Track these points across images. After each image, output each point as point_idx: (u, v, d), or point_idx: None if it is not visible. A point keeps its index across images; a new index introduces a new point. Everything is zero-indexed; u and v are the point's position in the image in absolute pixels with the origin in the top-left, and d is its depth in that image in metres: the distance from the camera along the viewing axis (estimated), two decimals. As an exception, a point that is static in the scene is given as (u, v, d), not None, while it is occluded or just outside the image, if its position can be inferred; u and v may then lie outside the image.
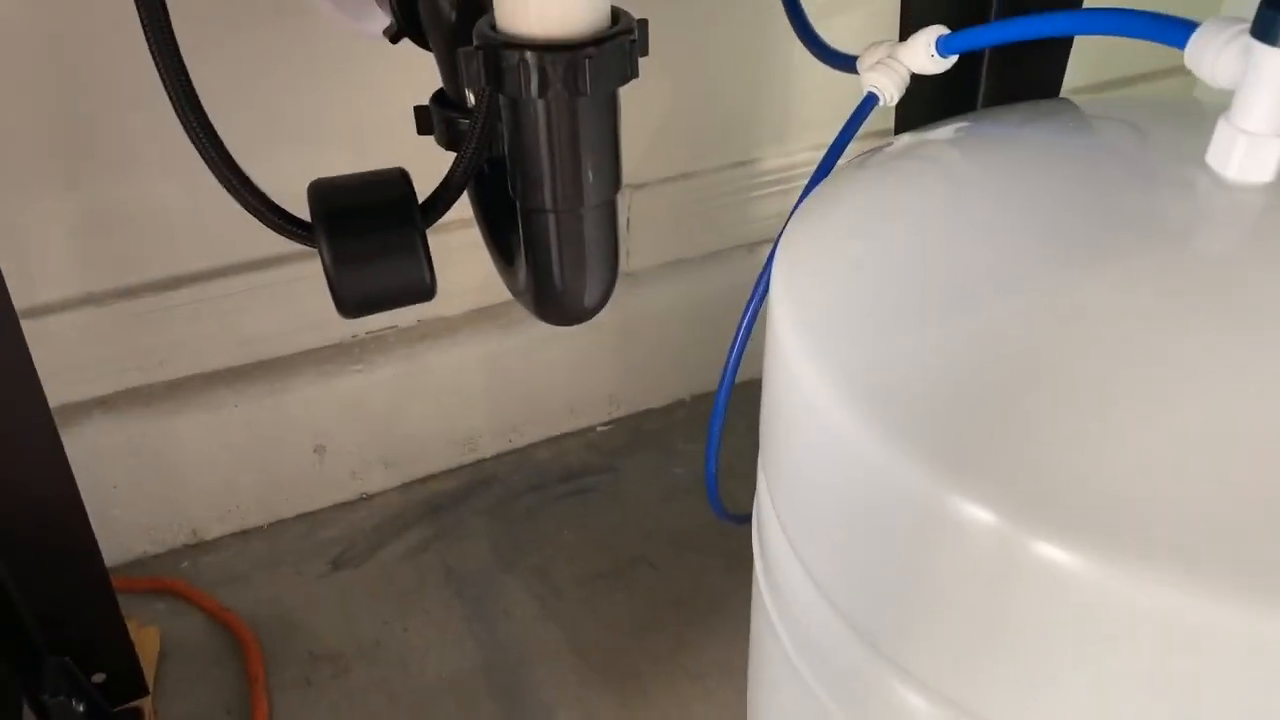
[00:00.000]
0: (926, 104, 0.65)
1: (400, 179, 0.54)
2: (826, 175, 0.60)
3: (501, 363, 1.07)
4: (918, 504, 0.39)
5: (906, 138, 0.59)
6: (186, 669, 0.90)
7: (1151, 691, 0.36)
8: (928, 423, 0.40)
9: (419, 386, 1.04)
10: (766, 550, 0.57)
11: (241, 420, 0.97)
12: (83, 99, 0.79)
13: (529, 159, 0.48)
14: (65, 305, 0.88)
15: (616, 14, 0.47)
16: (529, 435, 1.14)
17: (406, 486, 1.09)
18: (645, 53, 0.48)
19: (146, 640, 0.89)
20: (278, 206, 0.53)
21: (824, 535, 0.48)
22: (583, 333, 1.09)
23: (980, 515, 0.37)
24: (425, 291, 0.55)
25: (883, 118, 0.67)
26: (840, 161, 0.61)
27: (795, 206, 0.57)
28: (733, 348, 0.67)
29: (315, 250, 0.52)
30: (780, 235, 0.55)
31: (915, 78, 0.60)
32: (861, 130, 0.61)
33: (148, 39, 0.48)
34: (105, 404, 0.93)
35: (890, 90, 0.60)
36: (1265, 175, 0.43)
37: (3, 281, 0.62)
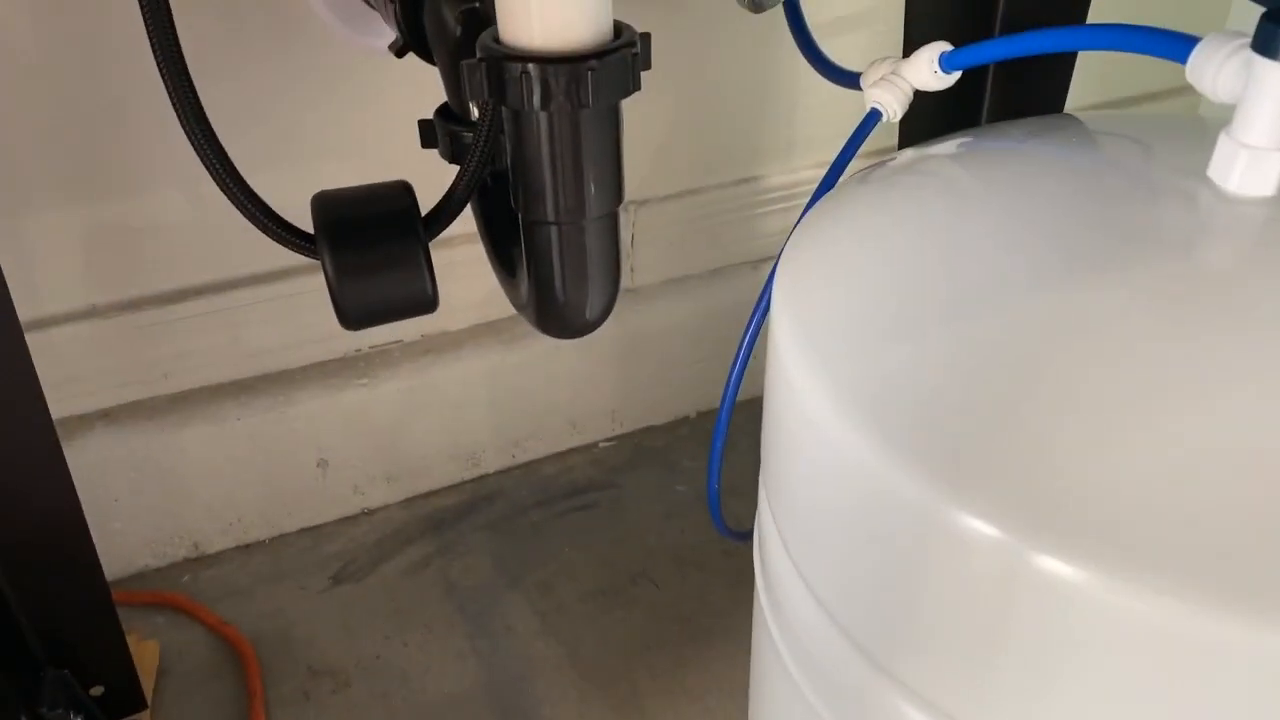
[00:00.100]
0: (930, 120, 0.65)
1: (403, 191, 0.54)
2: (829, 191, 0.60)
3: (505, 378, 1.07)
4: (918, 518, 0.39)
5: (909, 153, 0.59)
6: (185, 683, 0.90)
7: (1154, 707, 0.36)
8: (929, 436, 0.40)
9: (423, 401, 1.04)
10: (768, 566, 0.57)
11: (245, 434, 0.97)
12: (90, 112, 0.80)
13: (531, 171, 0.49)
14: (69, 317, 0.88)
15: (619, 27, 0.48)
16: (532, 451, 1.13)
17: (409, 501, 1.09)
18: (648, 66, 0.48)
19: (146, 654, 0.89)
20: (281, 218, 0.54)
21: (825, 550, 0.48)
22: (586, 348, 1.09)
23: (982, 529, 0.37)
24: (427, 304, 0.55)
25: (887, 136, 0.68)
26: (843, 177, 0.61)
27: (798, 222, 0.57)
28: (734, 364, 0.67)
29: (319, 263, 0.52)
30: (782, 250, 0.55)
31: (919, 94, 0.60)
32: (866, 148, 0.61)
33: (155, 52, 0.48)
34: (108, 416, 0.94)
35: (893, 106, 0.60)
36: (1267, 189, 0.43)
37: (7, 293, 0.62)
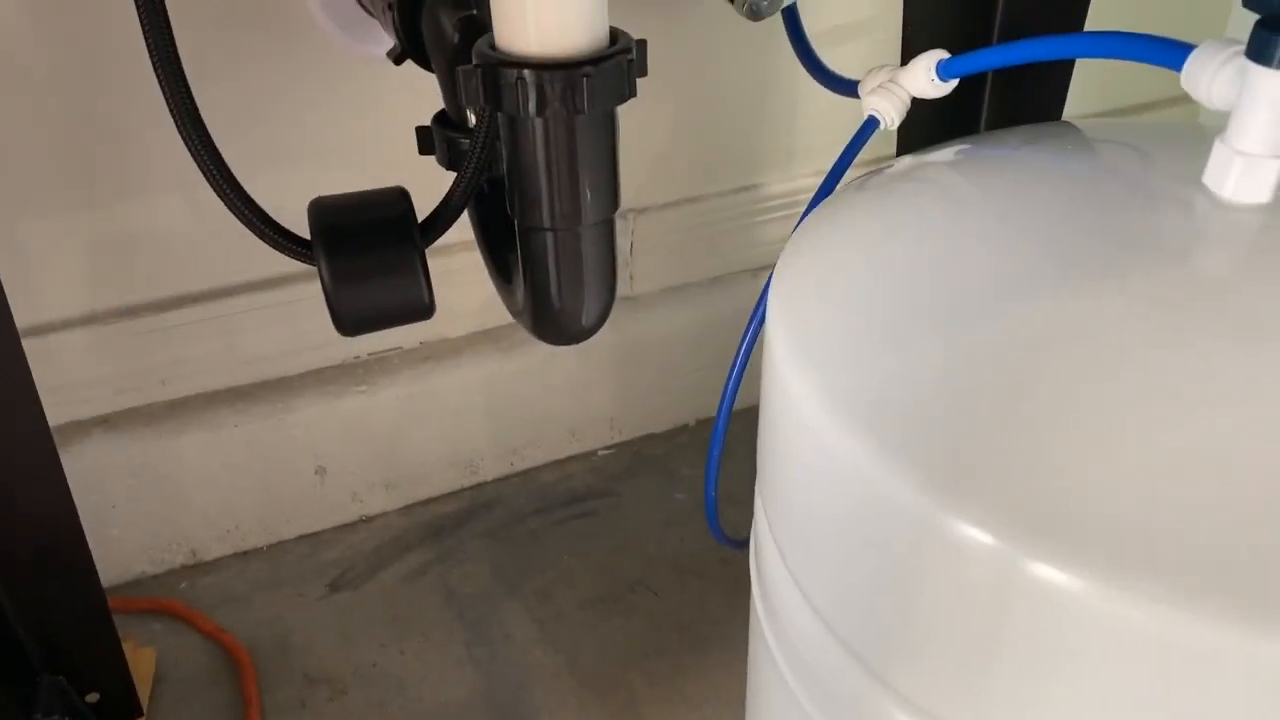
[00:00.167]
0: (929, 128, 0.66)
1: (399, 198, 0.54)
2: (827, 198, 0.60)
3: (504, 385, 1.07)
4: (913, 525, 0.39)
5: (906, 160, 0.59)
6: (181, 690, 0.90)
7: (1149, 715, 0.36)
8: (924, 443, 0.40)
9: (421, 408, 1.04)
10: (764, 575, 0.57)
11: (243, 440, 0.97)
12: (89, 118, 0.80)
13: (527, 177, 0.49)
14: (68, 324, 0.88)
15: (615, 34, 0.48)
16: (531, 458, 1.13)
17: (407, 509, 1.09)
18: (644, 73, 0.49)
19: (142, 661, 0.89)
20: (277, 224, 0.54)
21: (820, 558, 0.47)
22: (585, 356, 1.09)
23: (977, 536, 0.37)
24: (423, 310, 0.55)
25: (887, 144, 0.68)
26: (840, 185, 0.61)
27: (795, 229, 0.57)
28: (731, 372, 0.67)
29: (316, 268, 0.52)
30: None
31: (917, 102, 0.60)
32: (867, 156, 0.61)
33: (151, 57, 0.48)
34: (106, 423, 0.94)
35: (891, 114, 0.61)
36: (1262, 196, 0.43)
37: (4, 299, 0.62)
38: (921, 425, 0.40)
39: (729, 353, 0.67)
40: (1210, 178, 0.44)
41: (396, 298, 0.53)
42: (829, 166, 0.62)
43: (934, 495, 0.38)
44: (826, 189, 0.61)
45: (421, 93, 0.62)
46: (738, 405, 0.68)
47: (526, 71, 0.45)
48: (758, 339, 0.61)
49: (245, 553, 1.03)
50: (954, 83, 0.59)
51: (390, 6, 0.62)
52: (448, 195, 0.54)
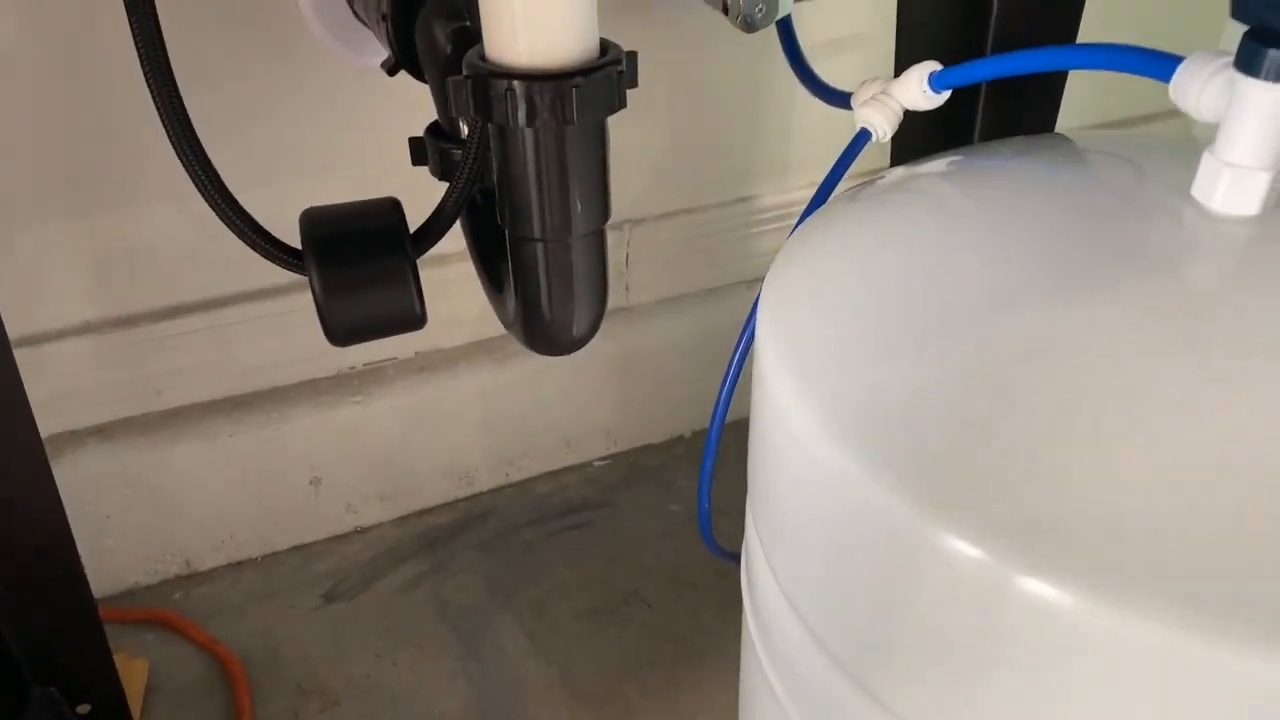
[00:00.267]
0: (923, 139, 0.66)
1: (391, 208, 0.54)
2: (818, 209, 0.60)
3: (499, 396, 1.07)
4: (903, 537, 0.39)
5: (898, 171, 0.59)
6: (174, 701, 0.89)
7: (1137, 730, 0.35)
8: (914, 455, 0.40)
9: (416, 419, 1.04)
10: (754, 588, 0.57)
11: (238, 451, 0.97)
12: (84, 128, 0.80)
13: (517, 188, 0.49)
14: (63, 333, 0.88)
15: (605, 45, 0.48)
16: (526, 470, 1.13)
17: (402, 520, 1.09)
18: (634, 84, 0.49)
19: (134, 671, 0.89)
20: (268, 234, 0.54)
21: (809, 571, 0.47)
22: (581, 367, 1.09)
23: (967, 549, 0.37)
24: (415, 320, 0.55)
25: (882, 155, 0.68)
26: (832, 196, 0.61)
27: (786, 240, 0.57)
28: (724, 383, 0.67)
29: (307, 279, 0.52)
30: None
31: (912, 114, 0.60)
32: (862, 167, 0.61)
33: (142, 65, 0.48)
34: (101, 433, 0.93)
35: (883, 126, 0.61)
36: (1250, 208, 0.43)
37: (-4, 308, 0.62)
38: (911, 437, 0.40)
39: (725, 364, 0.67)
40: (1199, 189, 0.44)
41: (387, 308, 0.53)
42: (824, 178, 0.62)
43: (923, 508, 0.38)
44: (818, 201, 0.61)
45: (416, 104, 0.62)
46: (734, 417, 0.68)
47: (516, 82, 0.45)
48: (750, 351, 0.61)
49: (239, 563, 1.03)
50: (946, 94, 0.59)
51: (384, 18, 0.63)
52: (439, 206, 0.55)
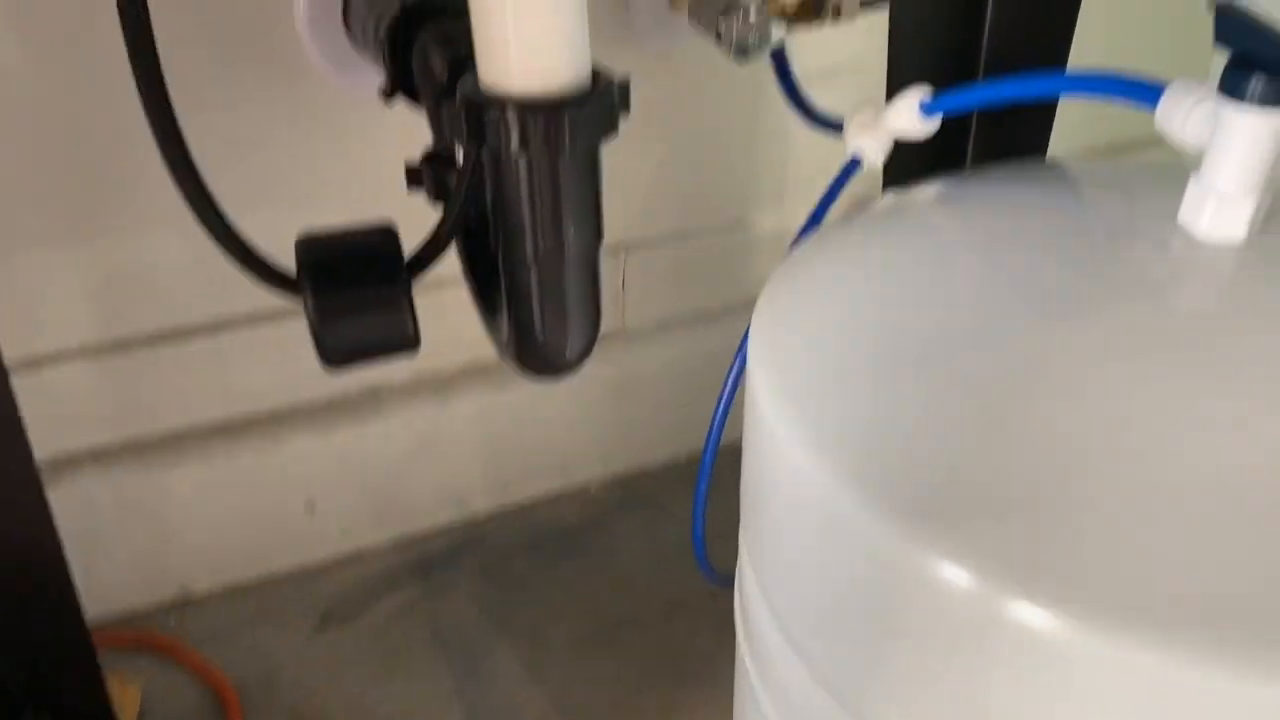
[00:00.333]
0: (915, 165, 0.66)
1: (386, 232, 0.55)
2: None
3: (495, 419, 1.07)
4: (894, 565, 0.39)
5: (889, 197, 0.60)
6: (166, 727, 0.89)
7: (1127, 756, 0.35)
8: (905, 482, 0.40)
9: (413, 443, 1.04)
10: (747, 614, 0.57)
11: (234, 474, 0.97)
12: (83, 150, 0.81)
13: (510, 212, 0.49)
14: (61, 356, 0.88)
15: (598, 73, 0.48)
16: (522, 493, 1.13)
17: (397, 543, 1.08)
18: (627, 110, 0.49)
19: (127, 697, 0.88)
20: (264, 259, 0.54)
21: (802, 598, 0.47)
22: (577, 390, 1.09)
23: (959, 576, 0.37)
24: (408, 343, 0.55)
25: (876, 180, 0.68)
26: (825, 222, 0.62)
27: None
28: (718, 408, 0.67)
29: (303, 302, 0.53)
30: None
31: (905, 141, 0.61)
32: (856, 192, 0.62)
33: (140, 94, 0.49)
34: (97, 456, 0.93)
35: (874, 153, 0.61)
36: (1237, 233, 0.43)
37: (-7, 331, 0.62)
38: (902, 465, 0.40)
39: (721, 387, 0.67)
40: (1186, 216, 0.45)
41: (381, 331, 0.54)
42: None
43: (913, 535, 0.38)
44: (810, 227, 0.62)
45: (412, 130, 0.62)
46: (730, 440, 0.68)
47: (509, 109, 0.45)
48: (743, 375, 0.61)
49: (234, 588, 1.03)
50: (937, 122, 0.59)
51: (382, 44, 0.63)
52: (434, 230, 0.55)
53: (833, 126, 0.68)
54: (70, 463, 0.92)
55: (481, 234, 0.58)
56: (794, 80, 0.76)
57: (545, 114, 0.45)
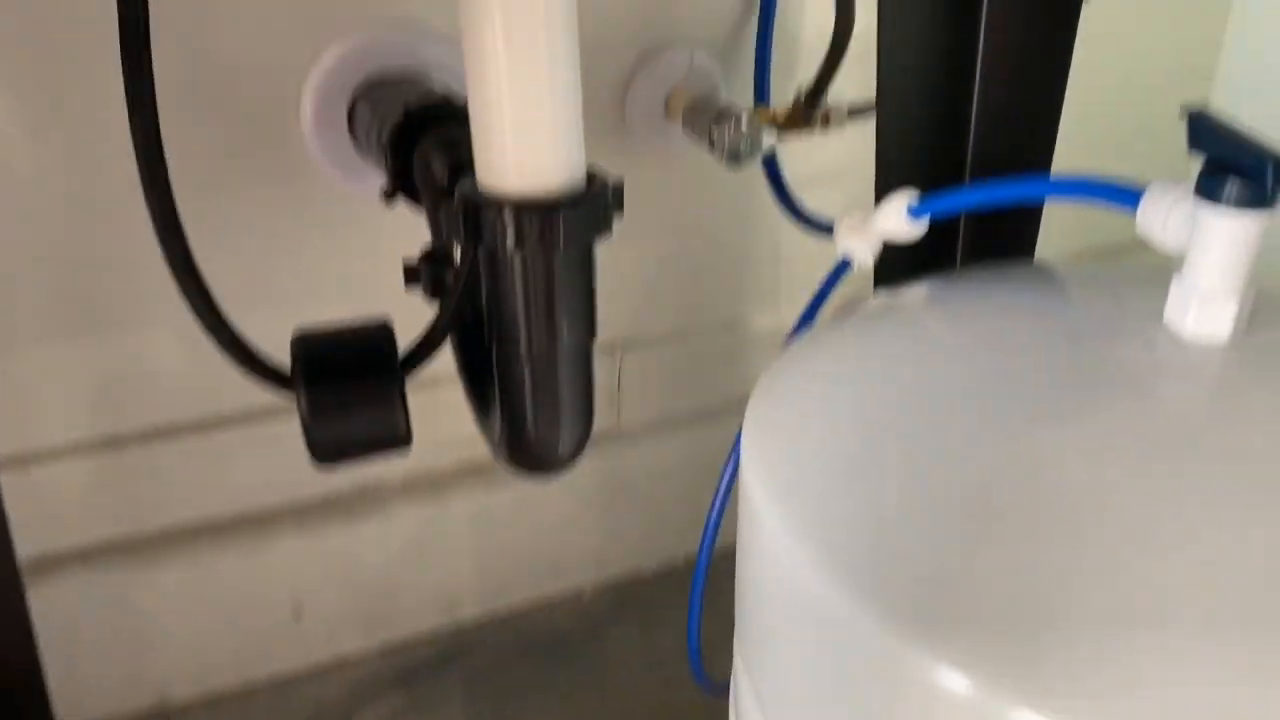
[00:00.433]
0: (905, 266, 0.67)
1: (381, 329, 0.55)
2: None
3: (488, 521, 1.05)
4: (890, 669, 0.38)
5: (880, 297, 0.61)
6: (137, 844, 0.85)
7: None
8: (899, 585, 0.39)
9: (403, 545, 1.02)
10: None
11: (220, 576, 0.95)
12: (82, 250, 0.82)
13: (504, 309, 0.50)
14: (52, 454, 0.87)
15: (593, 174, 0.50)
16: (513, 598, 1.11)
17: (385, 650, 1.06)
18: (621, 211, 0.50)
19: (98, 811, 0.85)
20: (259, 356, 0.54)
21: (799, 707, 0.46)
22: (572, 491, 1.08)
23: (957, 681, 0.36)
24: (400, 441, 0.55)
25: (868, 280, 0.69)
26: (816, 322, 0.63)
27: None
28: (712, 511, 0.66)
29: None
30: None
31: (895, 242, 0.62)
32: (848, 292, 0.63)
33: (145, 192, 0.50)
34: (82, 556, 0.92)
35: (864, 254, 0.62)
36: (1221, 333, 0.44)
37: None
38: (896, 567, 0.40)
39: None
40: (1171, 316, 0.45)
41: (373, 428, 0.54)
42: (812, 302, 0.64)
43: (910, 639, 0.37)
44: (802, 326, 0.62)
45: (414, 231, 0.64)
46: (727, 544, 0.67)
47: (506, 208, 0.46)
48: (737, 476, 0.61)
49: (216, 695, 1.00)
50: (925, 224, 0.60)
51: (384, 148, 0.65)
52: (430, 327, 0.55)
53: (823, 229, 0.69)
54: (55, 563, 0.91)
55: (476, 331, 0.58)
56: (785, 184, 0.78)
57: (540, 214, 0.46)
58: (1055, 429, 0.42)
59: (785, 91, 0.94)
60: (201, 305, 0.52)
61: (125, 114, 0.48)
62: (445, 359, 0.60)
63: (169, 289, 0.53)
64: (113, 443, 0.89)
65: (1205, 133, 0.42)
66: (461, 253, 0.53)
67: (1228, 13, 1.24)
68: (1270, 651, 0.34)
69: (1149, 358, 0.46)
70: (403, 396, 0.54)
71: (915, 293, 0.59)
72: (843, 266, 0.62)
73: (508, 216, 0.47)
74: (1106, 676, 0.34)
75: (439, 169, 0.58)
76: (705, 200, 1.03)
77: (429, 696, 1.00)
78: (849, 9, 0.78)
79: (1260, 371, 0.44)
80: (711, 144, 0.80)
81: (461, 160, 0.56)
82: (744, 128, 0.79)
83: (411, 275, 0.61)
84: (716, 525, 0.66)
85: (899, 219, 0.60)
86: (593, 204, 0.48)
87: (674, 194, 1.01)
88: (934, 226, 0.60)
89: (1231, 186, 0.40)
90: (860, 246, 0.61)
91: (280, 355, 0.55)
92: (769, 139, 0.79)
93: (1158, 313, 0.47)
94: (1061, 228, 0.70)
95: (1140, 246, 0.46)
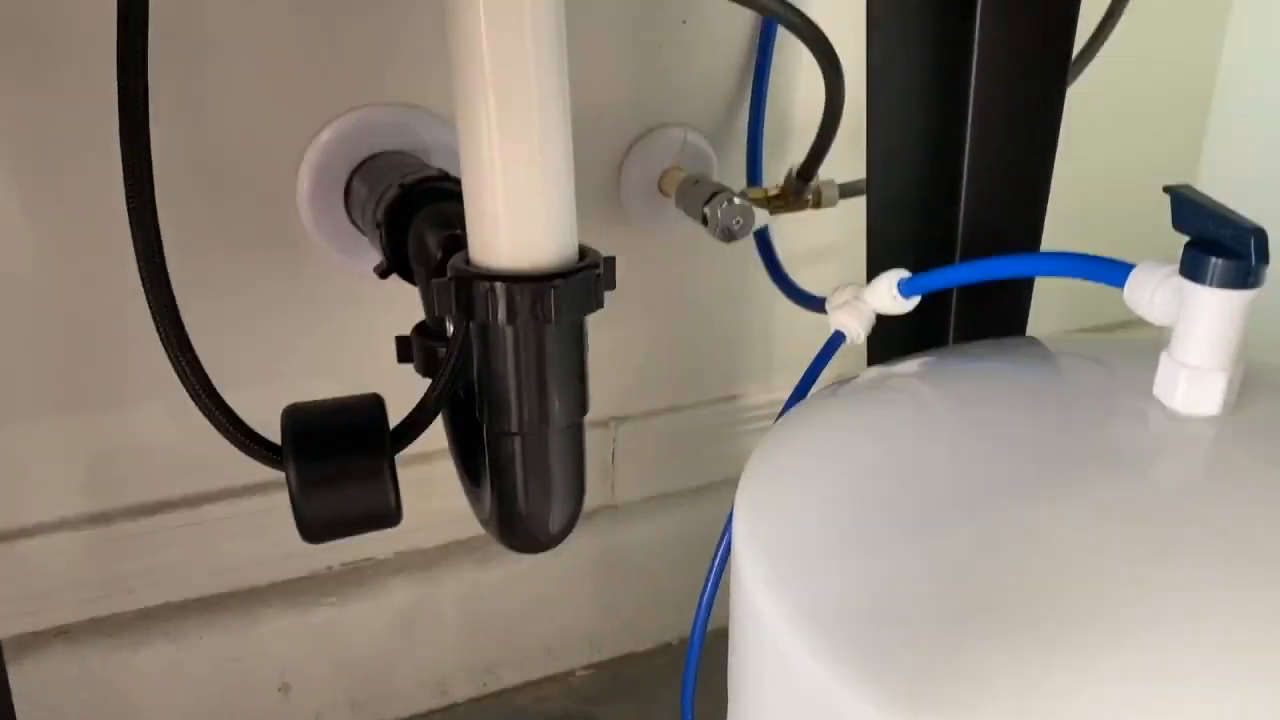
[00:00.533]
0: (898, 341, 0.68)
1: (372, 404, 0.55)
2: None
3: (480, 599, 1.04)
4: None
5: (872, 371, 0.61)
6: None
7: None
8: (892, 664, 0.38)
9: (393, 623, 1.00)
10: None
11: (206, 653, 0.93)
12: (74, 327, 0.82)
13: (496, 383, 0.50)
14: (39, 530, 0.86)
15: (584, 250, 0.50)
16: (504, 679, 1.08)
17: (373, 731, 1.03)
18: (612, 286, 0.51)
19: None
20: (252, 431, 0.54)
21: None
22: (564, 568, 1.07)
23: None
24: (389, 517, 0.54)
25: (861, 356, 0.69)
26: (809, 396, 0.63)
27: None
28: (705, 590, 0.65)
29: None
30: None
31: (888, 318, 0.62)
32: (841, 368, 0.63)
33: (140, 268, 0.50)
34: (66, 634, 0.90)
35: (856, 329, 0.63)
36: (1210, 407, 0.44)
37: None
38: (890, 645, 0.39)
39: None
40: (1160, 390, 0.45)
41: (362, 504, 0.53)
42: (806, 377, 0.64)
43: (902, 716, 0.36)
44: (794, 401, 0.62)
45: (407, 308, 0.64)
46: (722, 623, 0.66)
47: (497, 283, 0.47)
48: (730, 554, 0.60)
49: (197, 779, 0.97)
50: (916, 300, 0.61)
51: (379, 225, 0.66)
52: (421, 401, 0.55)
53: (816, 304, 0.69)
54: (37, 640, 0.89)
55: (468, 405, 0.58)
56: (778, 261, 0.79)
57: (532, 288, 0.47)
58: (1047, 506, 0.42)
59: (778, 170, 0.96)
60: (193, 379, 0.52)
61: (121, 190, 0.49)
62: (436, 433, 0.59)
63: (162, 363, 0.53)
64: (102, 518, 0.88)
65: (1187, 210, 0.43)
66: (454, 327, 0.54)
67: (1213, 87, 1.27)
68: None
69: (1140, 432, 0.46)
70: (393, 471, 0.53)
71: (907, 367, 0.59)
72: (836, 341, 0.62)
73: (499, 290, 0.47)
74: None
75: (433, 245, 0.58)
76: (699, 277, 1.04)
77: (417, 781, 0.98)
78: (839, 91, 0.80)
79: (1250, 445, 0.44)
80: (705, 222, 0.81)
81: (455, 236, 0.56)
82: (737, 206, 0.80)
83: (404, 350, 0.61)
84: (709, 605, 0.65)
85: (889, 296, 0.61)
86: (584, 279, 0.48)
87: (668, 271, 1.02)
88: (926, 301, 0.61)
89: (1215, 266, 0.41)
90: (852, 323, 0.62)
91: (272, 431, 0.55)
92: (761, 216, 0.80)
93: (1148, 386, 0.47)
94: (1053, 310, 0.71)
95: (1138, 324, 0.46)
